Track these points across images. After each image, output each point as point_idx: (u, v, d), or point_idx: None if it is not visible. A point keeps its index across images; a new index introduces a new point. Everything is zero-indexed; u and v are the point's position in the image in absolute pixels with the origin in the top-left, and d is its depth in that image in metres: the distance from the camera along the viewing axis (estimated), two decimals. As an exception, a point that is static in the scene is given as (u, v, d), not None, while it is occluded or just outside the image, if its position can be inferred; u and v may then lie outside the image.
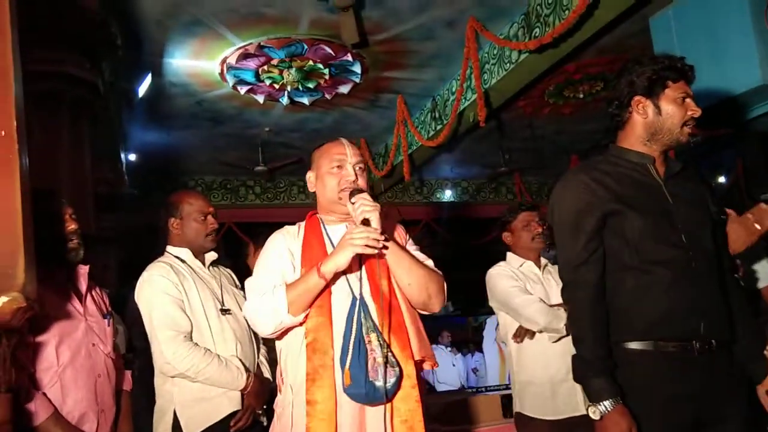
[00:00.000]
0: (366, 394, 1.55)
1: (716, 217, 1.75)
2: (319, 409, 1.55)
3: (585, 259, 1.68)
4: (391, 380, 1.57)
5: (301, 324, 1.66)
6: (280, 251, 1.76)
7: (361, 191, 1.70)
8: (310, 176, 1.87)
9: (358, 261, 1.71)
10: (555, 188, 1.82)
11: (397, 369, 1.59)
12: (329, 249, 1.72)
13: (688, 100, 1.70)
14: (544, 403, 2.51)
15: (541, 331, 2.51)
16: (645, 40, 3.56)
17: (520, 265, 2.72)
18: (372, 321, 1.63)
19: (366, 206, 1.62)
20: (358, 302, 1.66)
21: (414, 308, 1.75)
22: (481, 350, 6.66)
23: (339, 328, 1.63)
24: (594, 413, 1.59)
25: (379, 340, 1.60)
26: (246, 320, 2.03)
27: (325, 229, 1.80)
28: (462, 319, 8.93)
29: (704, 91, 2.89)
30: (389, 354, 1.60)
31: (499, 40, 4.10)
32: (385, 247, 1.65)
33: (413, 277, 1.71)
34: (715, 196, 1.80)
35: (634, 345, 1.66)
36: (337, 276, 1.67)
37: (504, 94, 4.71)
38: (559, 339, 2.49)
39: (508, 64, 4.31)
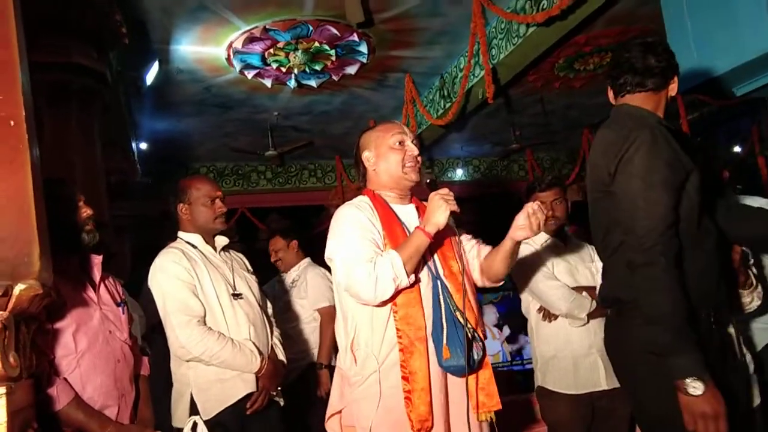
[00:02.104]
0: (465, 366, 1.68)
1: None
2: (417, 379, 1.68)
3: (673, 220, 1.55)
4: (480, 353, 1.76)
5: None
6: (366, 224, 1.81)
7: (435, 182, 1.84)
8: (367, 155, 1.94)
9: (429, 244, 1.79)
10: (621, 138, 1.62)
11: (481, 343, 1.77)
12: (405, 229, 1.84)
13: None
14: (566, 378, 2.52)
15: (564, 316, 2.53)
16: (655, 9, 3.48)
17: (545, 241, 2.69)
18: (452, 300, 1.77)
19: (451, 199, 1.74)
20: (440, 282, 1.79)
21: (473, 286, 1.91)
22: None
23: (427, 305, 1.76)
24: (696, 389, 1.47)
25: (462, 318, 1.74)
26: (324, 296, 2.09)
27: (393, 210, 1.89)
28: None
29: (716, 58, 2.84)
30: (472, 329, 1.75)
31: (506, 14, 4.04)
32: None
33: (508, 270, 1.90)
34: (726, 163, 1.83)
35: (708, 319, 1.65)
36: None
37: (513, 69, 4.65)
38: (582, 325, 2.50)
39: (516, 39, 4.26)
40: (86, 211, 1.93)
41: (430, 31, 4.71)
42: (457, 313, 1.75)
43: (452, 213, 1.72)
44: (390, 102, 6.12)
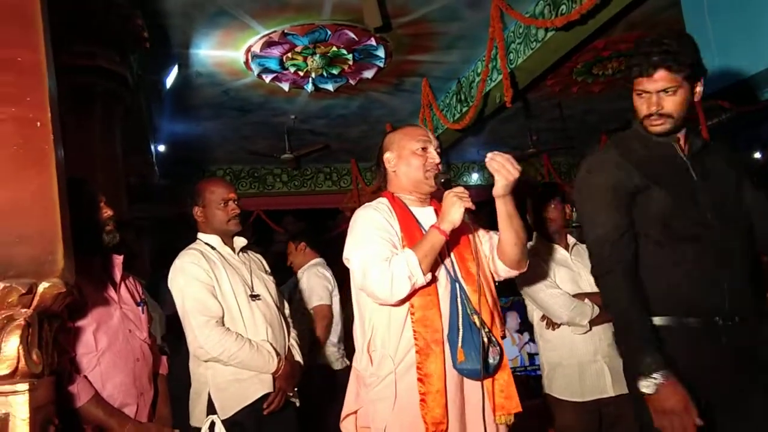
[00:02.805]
0: (481, 370, 1.67)
1: (747, 192, 1.72)
2: (433, 381, 1.67)
3: (619, 236, 1.69)
4: (497, 357, 1.73)
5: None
6: (383, 224, 1.81)
7: (450, 180, 1.83)
8: (389, 157, 1.94)
9: (446, 246, 1.80)
10: (583, 166, 1.82)
11: (498, 348, 1.75)
12: (420, 228, 1.82)
13: (645, 95, 1.67)
14: (572, 385, 2.50)
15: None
16: (676, 13, 3.46)
17: (547, 247, 2.68)
18: (470, 302, 1.75)
19: (466, 197, 1.73)
20: (457, 285, 1.78)
21: (492, 289, 1.88)
22: None
23: (444, 307, 1.74)
24: (647, 387, 1.56)
25: (480, 321, 1.73)
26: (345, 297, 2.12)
27: (412, 212, 1.88)
28: None
29: (736, 65, 2.81)
30: (490, 333, 1.74)
31: (524, 18, 4.04)
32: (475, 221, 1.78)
33: (521, 237, 1.83)
34: (746, 170, 1.76)
35: (658, 320, 1.68)
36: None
37: (530, 74, 4.63)
38: (585, 333, 2.49)
39: (534, 43, 4.24)
40: (107, 212, 1.95)
41: (447, 36, 4.71)
42: (474, 316, 1.73)
43: (468, 211, 1.70)
44: (407, 106, 6.13)
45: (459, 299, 1.76)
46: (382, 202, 1.89)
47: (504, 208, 1.78)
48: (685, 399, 1.53)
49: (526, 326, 7.25)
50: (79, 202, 1.73)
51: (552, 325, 2.59)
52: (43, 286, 1.25)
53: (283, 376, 2.29)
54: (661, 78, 1.62)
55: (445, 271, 1.80)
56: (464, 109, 5.44)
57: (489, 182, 9.27)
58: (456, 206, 1.69)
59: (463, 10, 4.31)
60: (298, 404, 2.42)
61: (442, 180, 1.83)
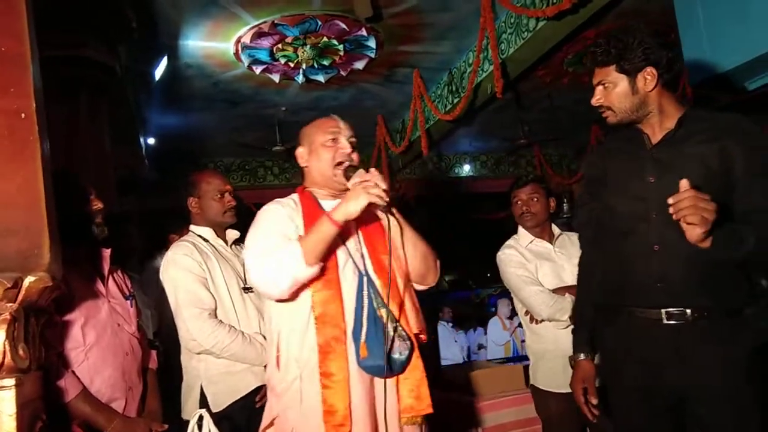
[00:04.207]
0: (384, 366, 1.59)
1: (721, 177, 1.62)
2: (335, 380, 1.58)
3: (585, 222, 1.94)
4: (405, 353, 1.63)
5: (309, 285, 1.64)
6: (282, 218, 1.73)
7: (355, 168, 1.71)
8: (301, 151, 1.85)
9: (359, 238, 1.75)
10: None
11: (408, 342, 1.65)
12: None
13: (595, 88, 1.76)
14: (556, 377, 2.52)
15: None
16: (666, 3, 3.45)
17: (530, 242, 2.70)
18: (380, 297, 1.67)
19: (367, 180, 1.60)
20: (365, 278, 1.69)
21: (410, 282, 1.79)
22: (483, 326, 6.71)
23: (349, 302, 1.66)
24: (571, 361, 1.95)
25: (388, 315, 1.64)
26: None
27: (321, 207, 1.79)
28: (466, 293, 8.98)
29: (728, 52, 2.81)
30: (399, 328, 1.65)
31: (516, 8, 4.02)
32: (392, 213, 1.65)
33: (418, 249, 1.77)
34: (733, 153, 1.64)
35: (610, 308, 1.80)
36: (341, 253, 1.70)
37: (522, 64, 4.62)
38: (567, 327, 2.50)
39: (525, 33, 4.23)
40: (97, 205, 1.93)
41: (438, 26, 4.69)
42: (382, 309, 1.64)
43: (385, 204, 1.59)
44: (398, 97, 6.11)
45: (366, 293, 1.67)
46: (291, 197, 1.82)
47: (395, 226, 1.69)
48: (580, 379, 1.88)
49: (461, 319, 7.34)
50: (67, 194, 1.71)
51: (535, 319, 2.61)
52: (29, 280, 1.23)
53: (276, 369, 2.28)
54: (596, 73, 1.75)
55: (352, 264, 1.71)
56: (456, 100, 5.42)
57: (480, 174, 9.24)
58: (358, 198, 1.56)
59: (454, 0, 4.29)
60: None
61: (344, 168, 1.72)
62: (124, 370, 1.94)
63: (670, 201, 1.44)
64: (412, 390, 1.66)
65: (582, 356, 1.89)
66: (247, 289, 2.35)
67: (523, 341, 6.77)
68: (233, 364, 2.22)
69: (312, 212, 1.75)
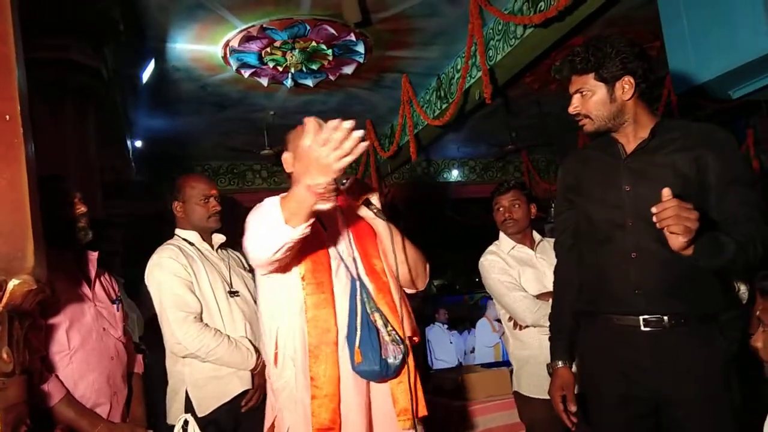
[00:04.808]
0: (380, 371, 1.59)
1: (695, 186, 1.64)
2: (321, 385, 1.58)
3: (561, 230, 1.94)
4: (399, 357, 1.63)
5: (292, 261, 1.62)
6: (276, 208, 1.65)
7: (346, 175, 1.61)
8: (286, 157, 1.79)
9: (350, 242, 1.75)
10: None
11: (402, 346, 1.64)
12: (322, 229, 1.73)
13: (572, 97, 1.79)
14: (540, 383, 2.51)
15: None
16: (653, 11, 3.49)
17: (512, 248, 2.71)
18: (373, 301, 1.67)
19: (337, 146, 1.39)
20: (358, 283, 1.69)
21: (401, 286, 1.77)
22: (476, 327, 6.72)
23: (342, 307, 1.65)
24: (549, 368, 1.92)
25: (381, 319, 1.65)
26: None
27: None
28: (459, 297, 9.01)
29: (712, 61, 2.85)
30: (393, 332, 1.65)
31: (503, 15, 4.05)
32: (385, 217, 1.65)
33: (410, 255, 1.77)
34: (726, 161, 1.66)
35: (588, 315, 1.81)
36: (333, 257, 1.70)
37: (510, 71, 4.65)
38: None
39: (513, 40, 4.26)
40: (80, 208, 1.92)
41: (427, 32, 4.71)
42: (376, 314, 1.65)
43: (377, 208, 1.62)
44: (386, 102, 6.12)
45: (358, 297, 1.67)
46: (279, 197, 1.71)
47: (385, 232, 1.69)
48: (559, 387, 1.86)
49: (456, 321, 7.35)
50: (52, 197, 1.70)
51: (518, 325, 2.61)
52: (12, 284, 1.22)
53: (262, 373, 2.26)
54: (573, 81, 1.75)
55: (344, 268, 1.71)
56: (444, 106, 5.44)
57: (469, 179, 9.29)
58: (327, 172, 1.36)
59: (443, 6, 4.31)
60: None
61: (343, 181, 1.60)
62: (110, 375, 1.92)
63: (654, 210, 1.44)
64: (406, 393, 1.65)
65: (560, 364, 1.89)
66: (233, 293, 2.33)
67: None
68: (219, 368, 2.20)
69: None
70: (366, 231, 1.78)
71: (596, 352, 1.79)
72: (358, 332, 1.62)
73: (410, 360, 1.67)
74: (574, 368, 1.92)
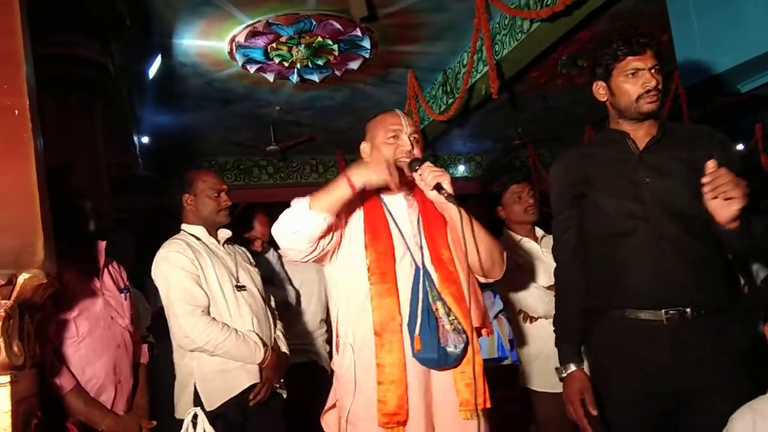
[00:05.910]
0: (438, 359, 1.62)
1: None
2: (388, 372, 1.61)
3: (563, 230, 1.87)
4: (460, 346, 1.65)
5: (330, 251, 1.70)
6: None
7: (421, 160, 1.74)
8: (364, 147, 1.88)
9: (419, 230, 1.77)
10: (553, 163, 1.98)
11: (464, 336, 1.66)
12: (389, 219, 1.77)
13: (640, 72, 1.71)
14: (548, 377, 2.51)
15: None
16: (660, 5, 3.47)
17: (518, 241, 2.70)
18: (436, 290, 1.70)
19: (436, 171, 1.67)
20: (422, 272, 1.71)
21: (473, 276, 1.76)
22: None
23: (404, 295, 1.69)
24: (561, 373, 1.84)
25: (444, 308, 1.67)
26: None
27: (382, 199, 1.82)
28: None
29: (721, 55, 2.83)
30: (456, 321, 1.67)
31: (510, 9, 4.03)
32: (459, 204, 1.67)
33: (482, 243, 1.75)
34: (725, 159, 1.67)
35: (597, 312, 1.79)
36: (399, 245, 1.73)
37: (516, 65, 4.63)
38: None
39: (519, 34, 4.24)
40: (88, 201, 1.94)
41: (433, 27, 4.70)
42: (438, 302, 1.67)
43: (448, 193, 1.64)
44: (392, 97, 6.11)
45: (421, 286, 1.69)
46: None
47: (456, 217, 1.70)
48: (578, 391, 1.76)
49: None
50: (60, 189, 1.71)
51: (529, 318, 2.60)
52: (23, 277, 1.23)
53: (270, 367, 2.28)
54: (651, 56, 1.71)
55: (410, 257, 1.73)
56: (450, 101, 5.43)
57: (475, 174, 9.28)
58: (380, 173, 1.63)
59: (449, 1, 4.30)
60: (285, 396, 2.42)
61: (416, 167, 1.72)
62: (116, 362, 1.95)
63: (705, 180, 1.46)
64: (468, 384, 1.66)
65: (573, 367, 1.82)
66: (240, 288, 2.34)
67: (510, 340, 6.77)
68: (227, 362, 2.21)
69: (372, 208, 1.78)
70: (436, 219, 1.80)
71: (608, 348, 1.78)
72: (419, 320, 1.65)
73: (472, 351, 1.68)
74: (585, 368, 1.88)
